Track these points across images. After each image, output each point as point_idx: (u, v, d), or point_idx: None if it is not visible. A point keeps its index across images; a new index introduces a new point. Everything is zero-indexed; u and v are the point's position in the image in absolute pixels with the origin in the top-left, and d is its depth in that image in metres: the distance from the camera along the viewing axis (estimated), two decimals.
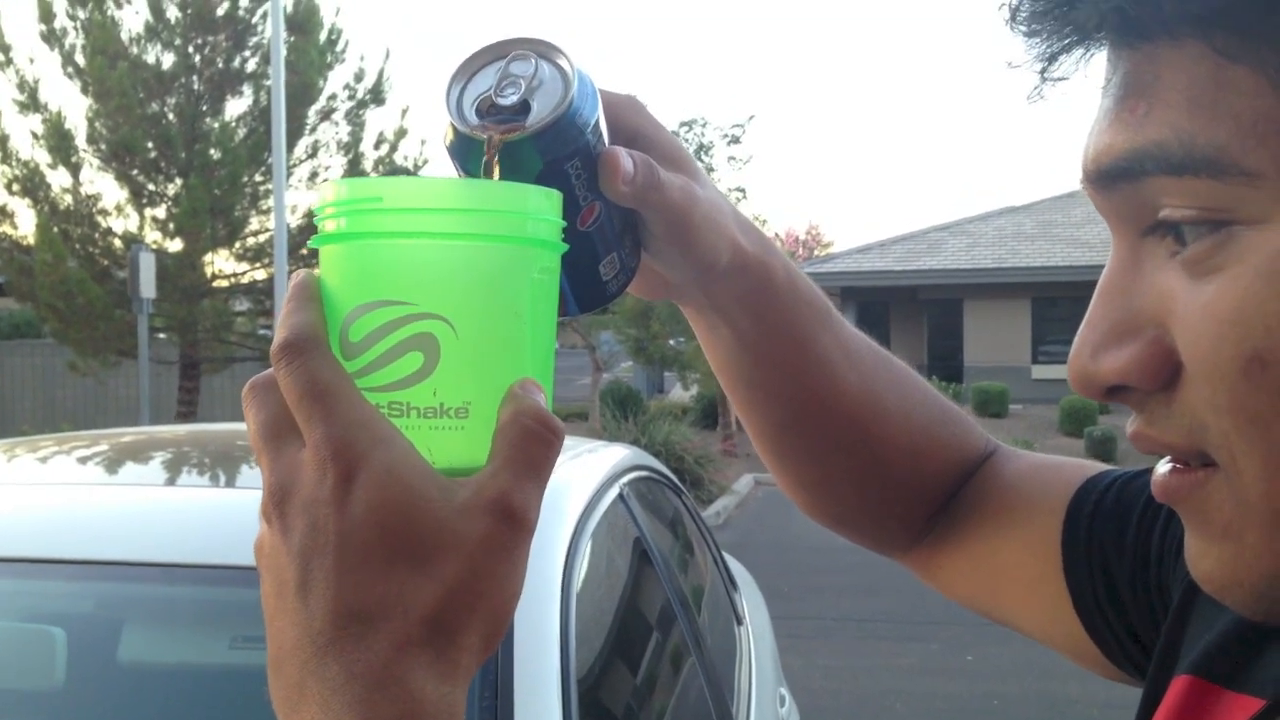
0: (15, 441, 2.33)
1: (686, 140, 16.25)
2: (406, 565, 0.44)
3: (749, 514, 11.25)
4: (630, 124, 0.61)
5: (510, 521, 0.46)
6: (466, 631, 0.45)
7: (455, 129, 0.55)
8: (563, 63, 0.55)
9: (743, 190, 17.11)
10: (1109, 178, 0.45)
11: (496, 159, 0.53)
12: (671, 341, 15.91)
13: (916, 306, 23.40)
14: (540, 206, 0.50)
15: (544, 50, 0.56)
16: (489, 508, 0.45)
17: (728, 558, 3.36)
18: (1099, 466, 0.74)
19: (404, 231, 0.47)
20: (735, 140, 16.36)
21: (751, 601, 3.23)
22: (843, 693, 5.65)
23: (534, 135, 0.53)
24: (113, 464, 2.14)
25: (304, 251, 12.22)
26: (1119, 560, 0.67)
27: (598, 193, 0.57)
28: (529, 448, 0.47)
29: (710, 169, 16.57)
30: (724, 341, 0.70)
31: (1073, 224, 21.96)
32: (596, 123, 0.56)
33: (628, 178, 0.57)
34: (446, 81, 0.56)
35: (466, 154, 0.55)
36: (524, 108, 0.54)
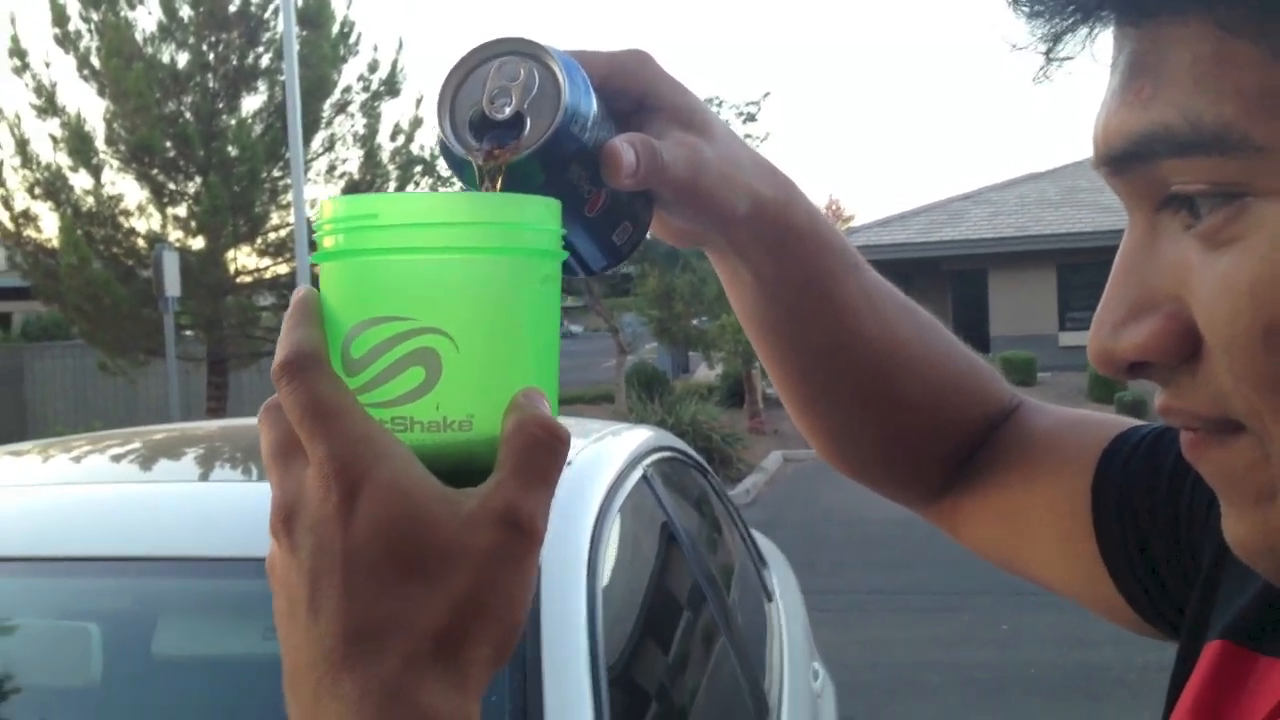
0: (50, 442, 2.36)
1: None
2: (414, 580, 0.44)
3: (778, 491, 11.24)
4: (640, 83, 0.61)
5: (517, 531, 0.45)
6: (477, 643, 0.45)
7: (448, 151, 0.55)
8: (552, 65, 0.54)
9: None
10: (1120, 160, 0.45)
11: (497, 179, 0.53)
12: (695, 321, 15.88)
13: (940, 278, 23.23)
14: (539, 216, 0.50)
15: (531, 51, 0.55)
16: (495, 518, 0.45)
17: (756, 534, 3.36)
18: (1129, 422, 0.74)
19: (400, 247, 0.47)
20: (751, 118, 16.27)
21: (781, 577, 3.23)
22: (879, 665, 5.65)
23: (531, 154, 0.53)
24: (145, 461, 2.16)
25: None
26: (1150, 518, 0.67)
27: (601, 183, 0.57)
28: (534, 456, 0.46)
29: None
30: (746, 286, 0.70)
31: (1097, 189, 21.68)
32: (594, 115, 0.56)
33: (630, 170, 0.56)
34: (437, 94, 0.55)
35: (463, 170, 0.54)
36: (517, 121, 0.54)
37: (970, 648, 5.93)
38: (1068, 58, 0.46)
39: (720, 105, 16.12)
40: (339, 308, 0.48)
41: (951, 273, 23.05)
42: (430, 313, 0.47)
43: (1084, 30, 0.45)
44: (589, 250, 0.61)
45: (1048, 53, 0.46)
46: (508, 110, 0.54)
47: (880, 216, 24.76)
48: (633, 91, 0.60)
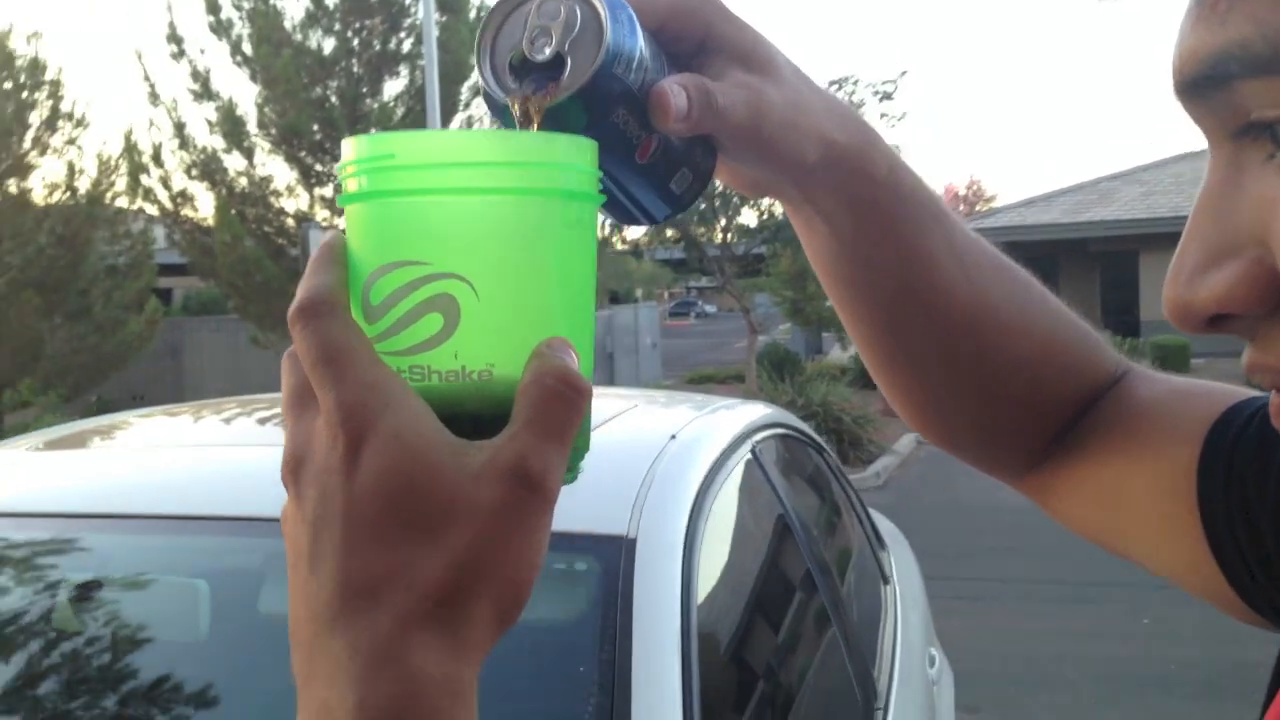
0: (203, 404, 2.50)
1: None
2: (415, 535, 0.42)
3: (911, 474, 11.02)
4: (700, 23, 0.57)
5: (528, 486, 0.43)
6: (477, 604, 0.43)
7: (490, 97, 0.52)
8: (595, 1, 0.51)
9: (897, 147, 16.57)
10: (1195, 87, 0.40)
11: (533, 124, 0.51)
12: (828, 302, 15.67)
13: (1087, 260, 22.40)
14: (567, 155, 0.47)
15: None
16: (505, 472, 0.43)
17: (876, 515, 3.29)
18: (1247, 392, 0.67)
19: (417, 189, 0.45)
20: (888, 97, 15.91)
21: (900, 561, 3.15)
22: (1011, 656, 5.50)
23: (572, 96, 0.50)
24: (263, 424, 2.23)
25: None
26: (1260, 501, 0.61)
27: (652, 128, 0.54)
28: (550, 408, 0.44)
29: None
30: (820, 238, 0.66)
31: None
32: (640, 56, 0.52)
33: (680, 114, 0.53)
34: (478, 36, 0.53)
35: (504, 115, 0.52)
36: (558, 62, 0.51)
37: (1108, 641, 5.71)
38: None
39: (856, 84, 15.85)
40: (360, 252, 0.46)
41: (1100, 254, 22.18)
42: (448, 257, 0.45)
43: None
44: (648, 198, 0.58)
45: None
46: (548, 51, 0.51)
47: (1024, 197, 23.96)
48: (693, 32, 0.57)
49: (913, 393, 0.73)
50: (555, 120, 0.51)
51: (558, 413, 0.44)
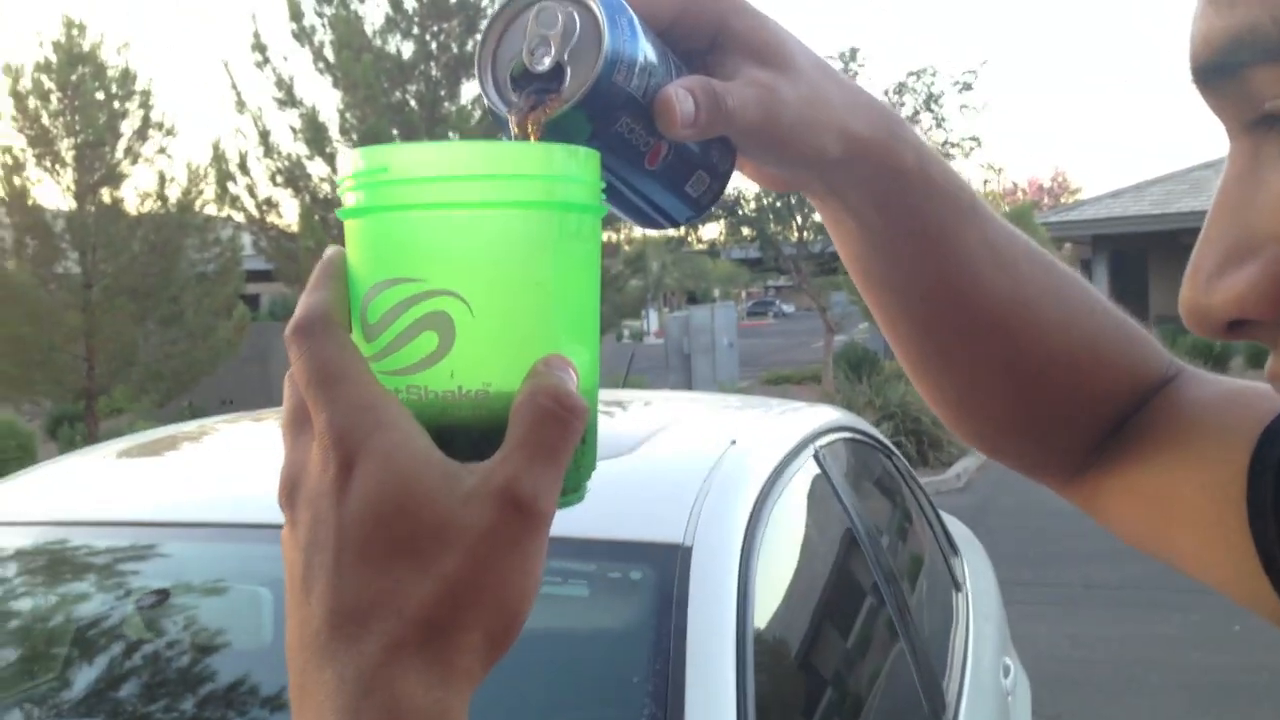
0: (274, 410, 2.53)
1: (914, 91, 15.71)
2: (404, 561, 0.42)
3: (991, 477, 10.82)
4: (713, 17, 0.55)
5: (518, 511, 0.42)
6: (467, 630, 0.42)
7: (493, 110, 0.52)
8: (593, 7, 0.50)
9: (977, 139, 16.37)
10: (1208, 75, 0.38)
11: (531, 137, 0.50)
12: None
13: (1178, 252, 21.68)
14: (564, 167, 0.46)
15: None
16: (496, 495, 0.42)
17: (950, 520, 3.23)
18: None
19: (409, 203, 0.44)
20: (967, 87, 15.67)
21: (974, 566, 3.09)
22: (1094, 662, 5.37)
23: (572, 107, 0.49)
24: None
25: None
26: None
27: (659, 134, 0.52)
28: (543, 429, 0.43)
29: (941, 119, 15.94)
30: (848, 233, 0.64)
31: None
32: (643, 61, 0.51)
33: (687, 121, 0.51)
34: (478, 48, 0.53)
35: (508, 127, 0.51)
36: (558, 72, 0.50)
37: (1196, 648, 5.55)
38: None
39: (935, 75, 15.61)
40: (358, 268, 0.46)
41: (1192, 246, 21.50)
42: (441, 274, 0.44)
43: None
44: (665, 201, 0.57)
45: None
46: (547, 61, 0.50)
47: (1111, 189, 23.36)
48: (705, 29, 0.55)
49: (949, 394, 0.70)
50: (558, 131, 0.49)
51: (551, 434, 0.43)
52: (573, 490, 0.47)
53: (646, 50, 0.51)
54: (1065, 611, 6.13)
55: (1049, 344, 0.66)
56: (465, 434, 0.44)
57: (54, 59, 13.11)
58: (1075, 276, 0.69)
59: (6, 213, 13.04)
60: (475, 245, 0.44)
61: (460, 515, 0.42)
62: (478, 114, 13.76)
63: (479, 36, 0.53)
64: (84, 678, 1.60)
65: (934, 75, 15.62)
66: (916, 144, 0.61)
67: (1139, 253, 22.31)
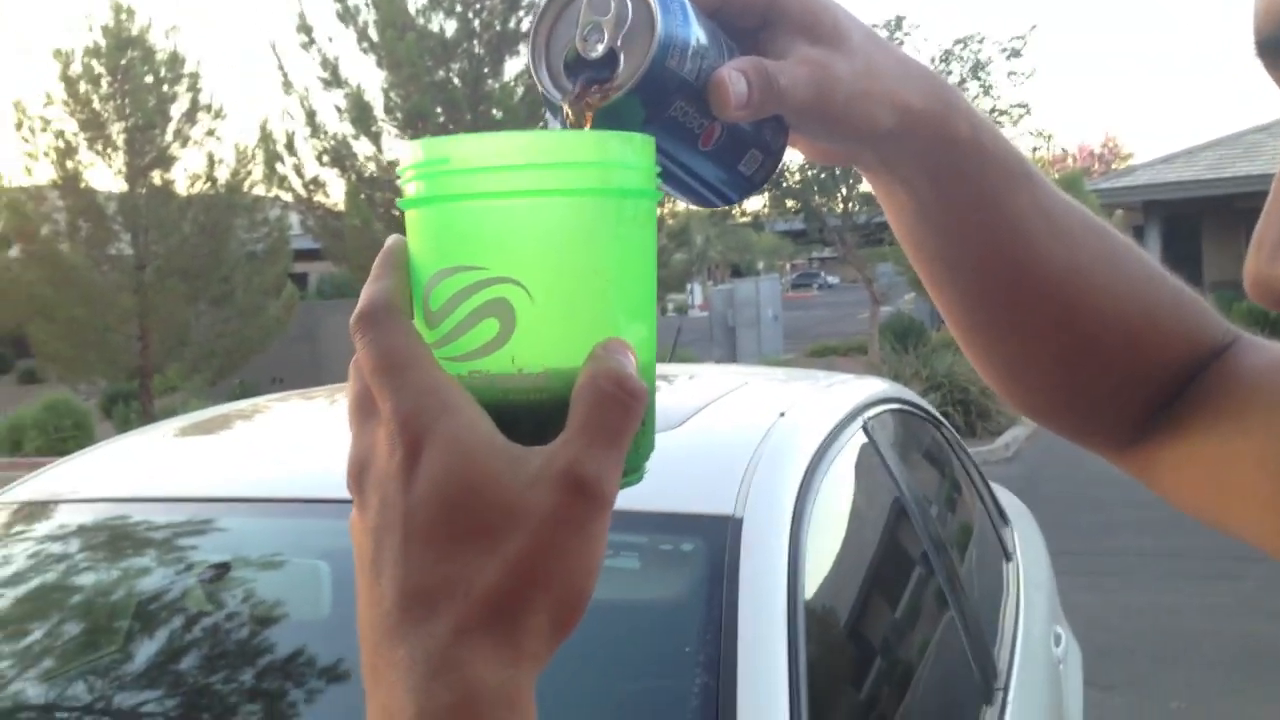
0: (337, 387, 2.57)
1: (961, 59, 15.48)
2: (470, 542, 0.42)
3: (1040, 446, 10.72)
4: None
5: (581, 493, 0.43)
6: (532, 612, 0.43)
7: (547, 98, 0.52)
8: None
9: (1025, 106, 16.15)
10: (1270, 46, 0.38)
11: (586, 124, 0.51)
12: None
13: (1232, 218, 21.31)
14: (621, 154, 0.47)
15: None
16: (559, 478, 0.43)
17: (1000, 490, 3.22)
18: None
19: (471, 193, 0.45)
20: (1016, 54, 15.43)
21: (1025, 535, 3.08)
22: (1146, 633, 5.32)
23: (626, 93, 0.50)
24: None
25: None
26: None
27: (713, 115, 0.53)
28: (605, 413, 0.43)
29: (988, 87, 15.71)
30: (901, 205, 0.64)
31: None
32: (695, 44, 0.52)
33: (740, 102, 0.52)
34: (531, 35, 0.53)
35: (562, 114, 0.52)
36: (612, 58, 0.50)
37: (1252, 617, 5.48)
38: None
39: (982, 42, 15.38)
40: (420, 257, 0.47)
41: (1246, 211, 21.05)
42: (501, 261, 0.45)
43: None
44: (719, 180, 0.57)
45: None
46: (600, 48, 0.50)
47: (1163, 154, 22.93)
48: (756, 6, 0.55)
49: (1002, 363, 0.70)
50: (613, 117, 0.50)
51: (612, 417, 0.44)
52: (633, 471, 0.48)
53: (698, 33, 0.52)
54: (1118, 581, 6.08)
55: (1104, 312, 0.66)
56: (528, 418, 0.45)
57: (103, 43, 13.29)
58: (1130, 243, 0.68)
59: (60, 196, 13.28)
60: (534, 233, 0.45)
61: (525, 498, 0.42)
62: (520, 91, 13.76)
63: (531, 22, 0.53)
64: (145, 650, 1.64)
65: (981, 43, 15.40)
66: (969, 112, 0.61)
67: (1192, 218, 21.90)
